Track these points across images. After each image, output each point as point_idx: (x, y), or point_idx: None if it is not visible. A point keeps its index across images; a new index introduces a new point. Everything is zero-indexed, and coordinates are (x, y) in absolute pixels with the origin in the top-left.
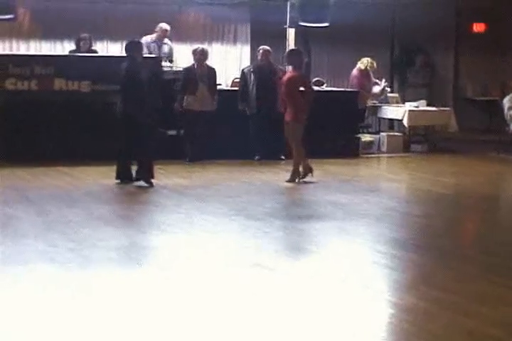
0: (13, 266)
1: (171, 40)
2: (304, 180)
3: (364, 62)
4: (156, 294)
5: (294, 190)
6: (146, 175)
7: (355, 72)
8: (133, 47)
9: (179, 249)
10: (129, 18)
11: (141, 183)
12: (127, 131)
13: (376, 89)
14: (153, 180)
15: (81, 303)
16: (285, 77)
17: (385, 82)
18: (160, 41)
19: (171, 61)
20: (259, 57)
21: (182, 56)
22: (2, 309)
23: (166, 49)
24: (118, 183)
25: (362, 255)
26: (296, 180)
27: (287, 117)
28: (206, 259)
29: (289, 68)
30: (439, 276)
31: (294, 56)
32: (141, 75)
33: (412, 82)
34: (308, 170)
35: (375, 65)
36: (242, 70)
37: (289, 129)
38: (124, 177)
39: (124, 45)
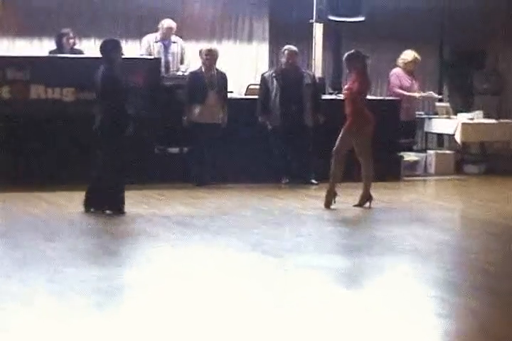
0: None
1: (181, 37)
2: (331, 206)
3: (410, 55)
4: None
5: (321, 221)
6: (117, 201)
7: (394, 70)
8: (110, 46)
9: (181, 293)
10: (121, 11)
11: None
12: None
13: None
14: (143, 208)
15: None
16: (346, 85)
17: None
18: (166, 40)
19: (181, 63)
20: (283, 60)
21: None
22: None
23: (174, 49)
24: (86, 212)
25: (406, 300)
26: (367, 205)
27: None
28: (212, 306)
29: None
30: (499, 326)
31: (353, 60)
32: (122, 81)
33: (465, 89)
34: (368, 197)
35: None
36: (262, 75)
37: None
38: (93, 204)
39: (100, 45)
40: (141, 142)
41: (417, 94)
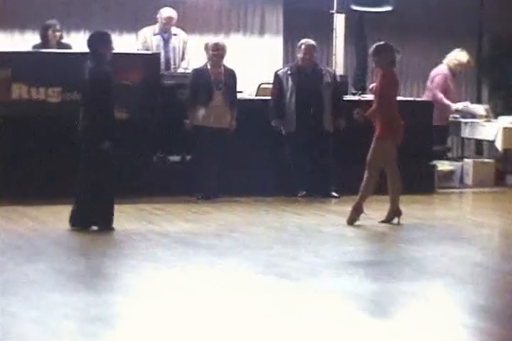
0: None
1: (183, 29)
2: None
3: (465, 57)
4: None
5: (342, 240)
6: (106, 218)
7: (442, 69)
8: (98, 40)
9: (182, 323)
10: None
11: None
12: (90, 159)
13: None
14: (139, 225)
15: None
16: (376, 81)
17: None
18: (166, 33)
19: (182, 58)
20: (299, 55)
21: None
22: None
23: (175, 42)
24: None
25: (438, 329)
26: (395, 221)
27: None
28: (219, 339)
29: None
30: None
31: (382, 53)
32: (112, 80)
33: (508, 88)
34: (397, 213)
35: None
36: (276, 73)
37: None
38: (82, 221)
39: (87, 39)
40: (138, 149)
41: (455, 106)
